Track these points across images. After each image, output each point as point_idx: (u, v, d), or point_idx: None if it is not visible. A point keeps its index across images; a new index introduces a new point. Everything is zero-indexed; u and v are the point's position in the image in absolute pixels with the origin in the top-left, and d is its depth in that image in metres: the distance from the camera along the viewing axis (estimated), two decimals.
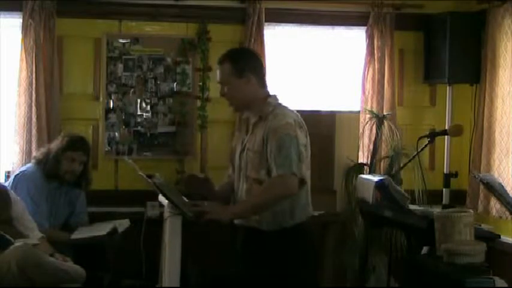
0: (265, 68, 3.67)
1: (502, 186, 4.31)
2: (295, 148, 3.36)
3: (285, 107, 3.55)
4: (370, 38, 5.55)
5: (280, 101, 3.58)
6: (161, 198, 3.99)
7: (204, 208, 3.52)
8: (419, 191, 4.94)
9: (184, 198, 3.71)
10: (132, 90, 5.33)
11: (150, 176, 3.63)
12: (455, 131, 4.61)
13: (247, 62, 3.53)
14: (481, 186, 5.02)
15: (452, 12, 5.40)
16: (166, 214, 3.88)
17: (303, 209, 3.51)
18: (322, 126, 5.07)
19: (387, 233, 5.08)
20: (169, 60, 5.37)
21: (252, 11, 5.31)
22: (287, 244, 3.46)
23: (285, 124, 3.39)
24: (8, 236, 3.96)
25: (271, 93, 3.58)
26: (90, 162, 4.78)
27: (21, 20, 5.03)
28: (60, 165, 4.56)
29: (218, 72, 3.57)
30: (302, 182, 3.41)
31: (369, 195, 4.30)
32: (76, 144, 4.62)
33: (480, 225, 4.28)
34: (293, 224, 3.47)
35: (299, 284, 3.48)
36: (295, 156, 3.35)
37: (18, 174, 4.64)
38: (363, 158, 5.41)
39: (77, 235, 4.56)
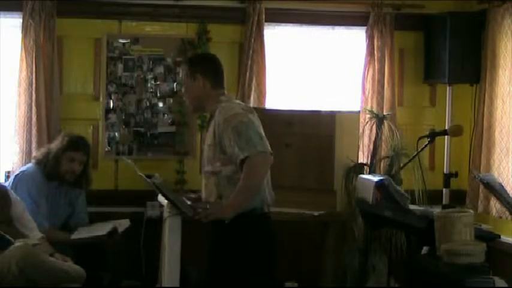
0: (222, 71, 3.77)
1: (502, 186, 4.32)
2: (254, 130, 3.48)
3: (233, 102, 3.69)
4: (370, 38, 5.54)
5: (232, 100, 3.73)
6: (160, 198, 3.99)
7: (204, 209, 3.53)
8: (419, 191, 4.92)
9: (183, 199, 3.72)
10: (132, 90, 5.33)
11: (149, 176, 3.64)
12: (455, 131, 4.60)
13: (201, 66, 3.69)
14: (481, 186, 5.02)
15: (452, 12, 5.39)
16: (165, 214, 3.88)
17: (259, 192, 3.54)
18: (322, 126, 5.05)
19: (387, 233, 5.06)
20: (169, 60, 5.37)
21: (252, 11, 5.31)
22: (243, 233, 3.51)
23: (234, 114, 3.52)
24: (8, 236, 3.97)
25: (231, 94, 3.72)
26: (90, 162, 4.79)
27: (21, 20, 5.02)
28: (60, 165, 4.57)
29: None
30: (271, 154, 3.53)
31: (369, 195, 4.29)
32: (76, 144, 4.63)
33: (480, 225, 4.28)
34: (250, 210, 3.50)
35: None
36: (256, 136, 3.47)
37: (18, 174, 4.65)
38: (363, 158, 5.40)
39: (77, 235, 4.57)
